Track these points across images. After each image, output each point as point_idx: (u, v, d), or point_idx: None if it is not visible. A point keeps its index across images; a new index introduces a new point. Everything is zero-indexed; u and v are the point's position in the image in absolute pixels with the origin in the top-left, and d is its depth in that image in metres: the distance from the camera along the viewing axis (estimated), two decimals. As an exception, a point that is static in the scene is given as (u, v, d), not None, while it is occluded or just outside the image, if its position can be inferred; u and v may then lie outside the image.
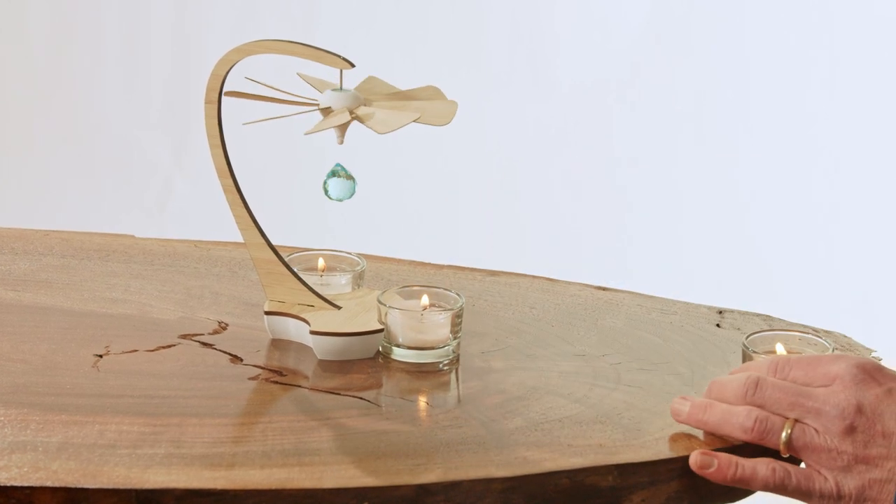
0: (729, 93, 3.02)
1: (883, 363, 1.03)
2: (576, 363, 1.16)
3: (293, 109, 1.14)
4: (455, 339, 1.17)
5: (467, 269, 1.37)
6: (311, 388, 1.11)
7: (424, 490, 0.96)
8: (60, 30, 3.30)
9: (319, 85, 1.15)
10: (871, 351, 1.22)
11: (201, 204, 2.99)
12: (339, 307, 1.20)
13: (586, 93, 3.08)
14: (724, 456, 0.99)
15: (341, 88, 1.13)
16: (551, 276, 1.36)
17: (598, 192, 3.02)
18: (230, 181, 1.18)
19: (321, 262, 1.26)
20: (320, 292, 1.20)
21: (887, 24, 2.90)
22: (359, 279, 1.26)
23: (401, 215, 3.04)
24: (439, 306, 1.18)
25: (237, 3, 3.26)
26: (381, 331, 1.16)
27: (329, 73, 1.15)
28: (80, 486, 0.93)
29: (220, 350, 1.16)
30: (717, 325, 1.26)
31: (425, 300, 1.18)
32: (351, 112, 1.12)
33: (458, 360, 1.17)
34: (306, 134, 1.10)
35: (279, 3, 3.24)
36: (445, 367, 1.16)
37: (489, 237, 2.96)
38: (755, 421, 0.98)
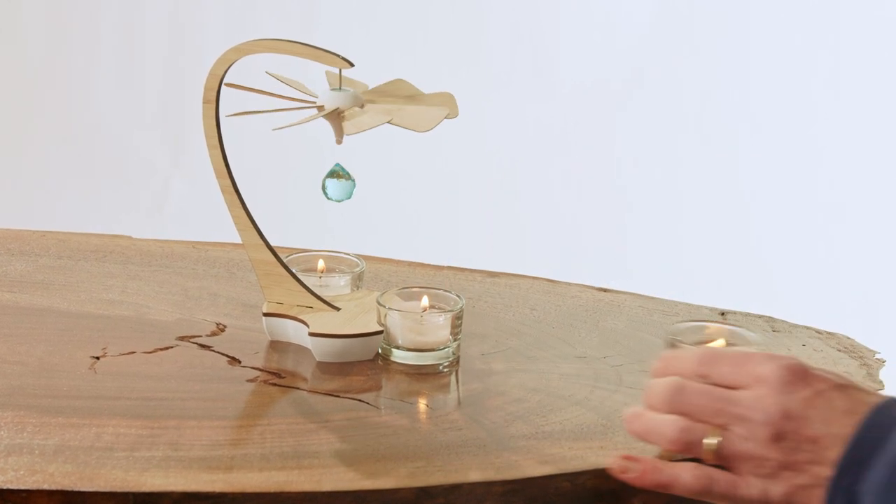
0: (731, 93, 3.01)
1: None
2: (577, 365, 1.16)
3: (287, 106, 1.14)
4: (455, 340, 1.16)
5: (467, 270, 1.37)
6: (310, 391, 1.10)
7: (425, 493, 0.96)
8: (56, 29, 3.30)
9: (293, 84, 1.15)
10: (874, 352, 1.22)
11: (199, 204, 2.99)
12: (337, 308, 1.19)
13: (588, 93, 3.08)
14: (647, 460, 0.97)
15: (340, 88, 1.13)
16: (552, 278, 1.36)
17: (600, 192, 3.02)
18: (228, 181, 1.18)
19: (321, 264, 1.26)
20: (319, 294, 1.20)
21: (891, 26, 2.90)
22: (358, 280, 1.26)
23: (400, 216, 3.04)
24: (439, 308, 1.18)
25: (235, 1, 3.26)
26: (380, 332, 1.16)
27: (356, 74, 1.15)
28: (76, 489, 0.93)
29: (219, 352, 1.16)
30: (720, 327, 1.26)
31: (425, 301, 1.18)
32: (340, 112, 1.12)
33: (458, 362, 1.17)
34: (274, 130, 1.10)
35: (278, 2, 3.24)
36: (445, 369, 1.15)
37: (489, 238, 2.96)
38: (680, 431, 0.95)
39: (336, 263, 1.27)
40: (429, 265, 1.38)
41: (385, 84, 1.16)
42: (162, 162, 3.22)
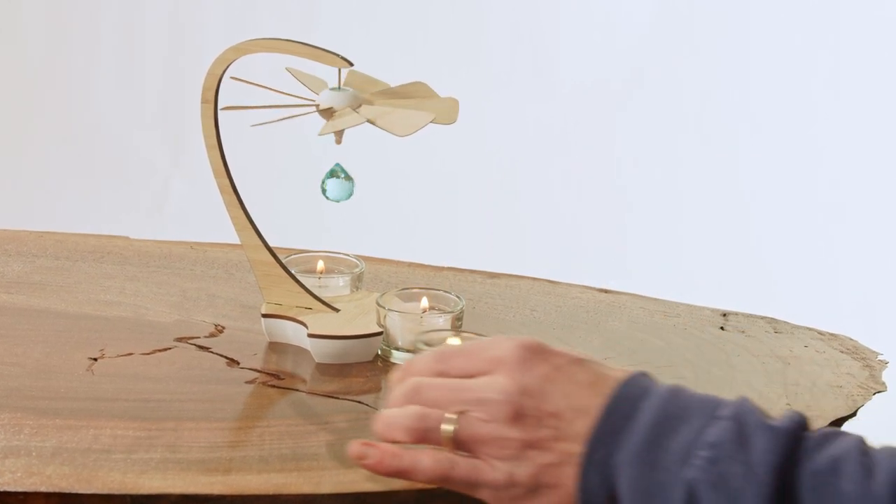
0: (732, 93, 3.01)
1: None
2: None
3: (289, 111, 1.13)
4: (455, 342, 1.16)
5: (467, 270, 1.37)
6: (309, 392, 1.10)
7: (425, 496, 0.95)
8: (55, 29, 3.30)
9: (312, 83, 1.15)
10: (877, 354, 1.21)
11: (198, 205, 2.98)
12: (337, 310, 1.19)
13: (588, 92, 3.08)
14: (385, 447, 0.93)
15: (339, 87, 1.13)
16: (553, 278, 1.35)
17: (600, 192, 3.02)
18: (227, 181, 1.17)
19: (320, 265, 1.26)
20: (318, 294, 1.19)
21: (891, 26, 2.90)
22: (357, 281, 1.25)
23: (399, 216, 3.04)
24: (439, 309, 1.17)
25: (235, 1, 3.26)
26: (380, 333, 1.16)
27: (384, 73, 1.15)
28: (74, 491, 0.93)
29: (217, 353, 1.16)
30: (721, 328, 1.26)
31: (425, 303, 1.18)
32: (333, 112, 1.12)
33: (458, 363, 1.16)
34: (252, 126, 1.10)
35: (278, 2, 3.23)
36: (445, 371, 1.15)
37: (489, 238, 2.96)
38: (416, 420, 0.92)
39: (335, 264, 1.26)
40: (428, 266, 1.37)
41: (402, 85, 1.16)
42: (161, 162, 3.22)
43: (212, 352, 1.16)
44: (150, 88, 3.28)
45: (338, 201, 1.15)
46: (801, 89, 2.96)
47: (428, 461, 0.91)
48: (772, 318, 1.28)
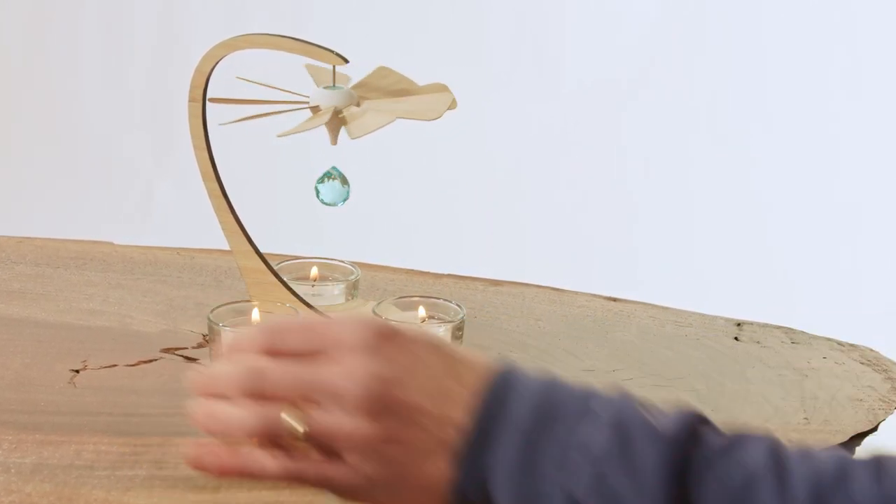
0: (745, 93, 3.01)
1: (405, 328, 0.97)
2: (584, 379, 1.16)
3: (281, 110, 1.13)
4: (456, 352, 1.16)
5: (468, 278, 1.37)
6: (302, 406, 1.10)
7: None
8: (37, 24, 3.30)
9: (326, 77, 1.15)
10: (899, 365, 1.21)
11: (185, 209, 2.99)
12: (331, 319, 1.19)
13: (593, 92, 3.08)
14: (227, 448, 0.90)
15: (334, 86, 1.13)
16: (558, 286, 1.35)
17: (607, 196, 3.02)
18: (215, 185, 1.17)
19: (313, 271, 1.26)
20: (312, 303, 1.19)
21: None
22: (353, 289, 1.25)
23: (397, 220, 3.04)
24: (438, 318, 1.17)
25: (224, -5, 3.26)
26: (376, 344, 1.16)
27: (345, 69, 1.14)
28: (55, 510, 0.93)
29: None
30: (736, 339, 1.26)
31: (423, 312, 1.18)
32: (337, 111, 1.12)
33: (458, 375, 1.16)
34: (279, 136, 1.10)
35: (268, -4, 3.24)
36: (445, 383, 1.15)
37: (491, 244, 2.96)
38: (260, 420, 0.88)
39: (330, 271, 1.26)
40: (427, 273, 1.37)
41: (370, 75, 1.16)
42: (147, 164, 3.22)
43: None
44: (136, 87, 3.28)
45: (332, 205, 1.15)
46: (816, 87, 2.97)
47: (274, 463, 0.89)
48: (788, 328, 1.28)
